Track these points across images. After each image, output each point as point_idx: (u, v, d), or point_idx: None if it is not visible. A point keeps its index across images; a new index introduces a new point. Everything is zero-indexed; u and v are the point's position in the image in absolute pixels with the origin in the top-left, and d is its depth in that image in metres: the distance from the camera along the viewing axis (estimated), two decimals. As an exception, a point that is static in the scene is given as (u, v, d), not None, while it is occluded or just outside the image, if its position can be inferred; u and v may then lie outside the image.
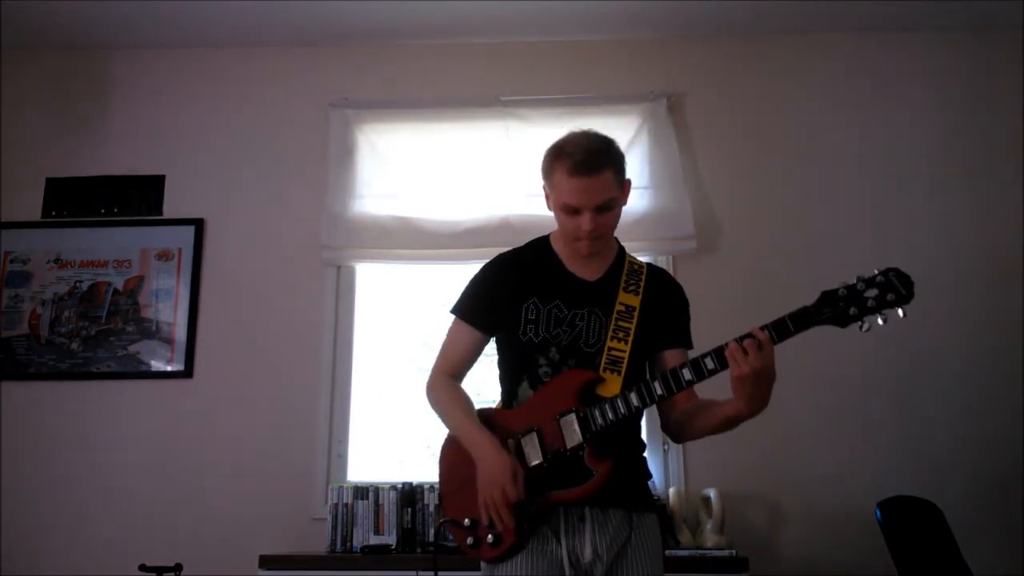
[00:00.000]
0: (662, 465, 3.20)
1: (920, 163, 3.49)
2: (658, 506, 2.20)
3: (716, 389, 1.74)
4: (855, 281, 1.58)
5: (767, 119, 3.58)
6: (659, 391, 1.67)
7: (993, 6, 3.45)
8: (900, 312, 1.55)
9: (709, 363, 1.63)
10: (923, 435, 3.19)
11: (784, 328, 1.60)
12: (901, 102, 3.57)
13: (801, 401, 3.19)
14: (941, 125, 3.53)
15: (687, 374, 1.65)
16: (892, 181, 3.47)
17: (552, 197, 1.83)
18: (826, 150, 3.53)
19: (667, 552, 2.75)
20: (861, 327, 1.58)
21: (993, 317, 3.32)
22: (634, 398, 1.68)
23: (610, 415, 1.68)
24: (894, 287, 1.55)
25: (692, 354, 1.75)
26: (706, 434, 1.78)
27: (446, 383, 1.90)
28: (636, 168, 3.35)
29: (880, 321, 1.56)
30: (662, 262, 3.37)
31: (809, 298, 1.63)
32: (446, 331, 1.94)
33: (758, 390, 1.60)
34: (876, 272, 1.58)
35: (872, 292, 1.56)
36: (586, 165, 1.73)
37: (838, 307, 1.58)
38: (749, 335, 1.59)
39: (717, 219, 3.45)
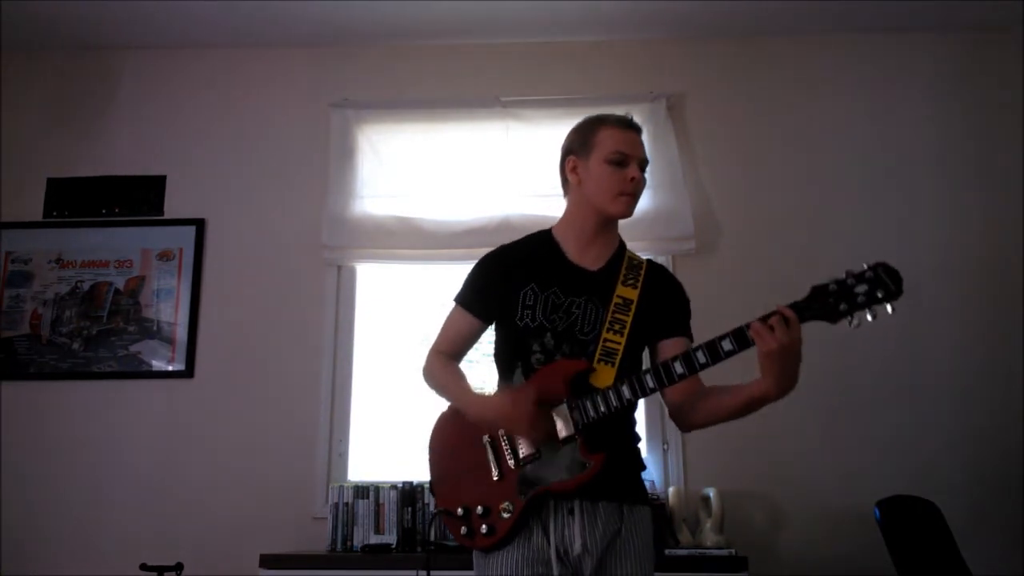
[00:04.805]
0: (662, 464, 3.20)
1: (920, 163, 3.49)
2: (652, 500, 2.19)
3: (715, 380, 1.75)
4: (844, 276, 1.55)
5: (767, 120, 3.58)
6: (651, 384, 1.66)
7: (993, 6, 3.45)
8: (889, 308, 1.52)
9: (727, 345, 1.60)
10: (923, 435, 3.20)
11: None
12: (901, 103, 3.57)
13: (800, 401, 3.12)
14: (941, 126, 3.53)
15: (679, 367, 1.64)
16: (892, 181, 3.47)
17: (593, 157, 1.83)
18: (826, 150, 3.53)
19: (666, 552, 2.76)
20: (851, 323, 1.55)
21: (993, 317, 3.32)
22: (626, 391, 1.67)
23: (602, 407, 1.68)
24: (883, 283, 1.51)
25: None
26: (724, 417, 1.74)
27: (442, 360, 1.92)
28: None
29: (869, 317, 1.52)
30: (661, 262, 3.35)
31: (807, 298, 1.62)
32: (446, 316, 1.95)
33: (786, 367, 1.58)
34: (865, 267, 1.54)
35: (862, 288, 1.53)
36: (632, 123, 1.87)
37: (828, 303, 1.55)
38: (775, 312, 1.56)
39: (716, 219, 3.45)
